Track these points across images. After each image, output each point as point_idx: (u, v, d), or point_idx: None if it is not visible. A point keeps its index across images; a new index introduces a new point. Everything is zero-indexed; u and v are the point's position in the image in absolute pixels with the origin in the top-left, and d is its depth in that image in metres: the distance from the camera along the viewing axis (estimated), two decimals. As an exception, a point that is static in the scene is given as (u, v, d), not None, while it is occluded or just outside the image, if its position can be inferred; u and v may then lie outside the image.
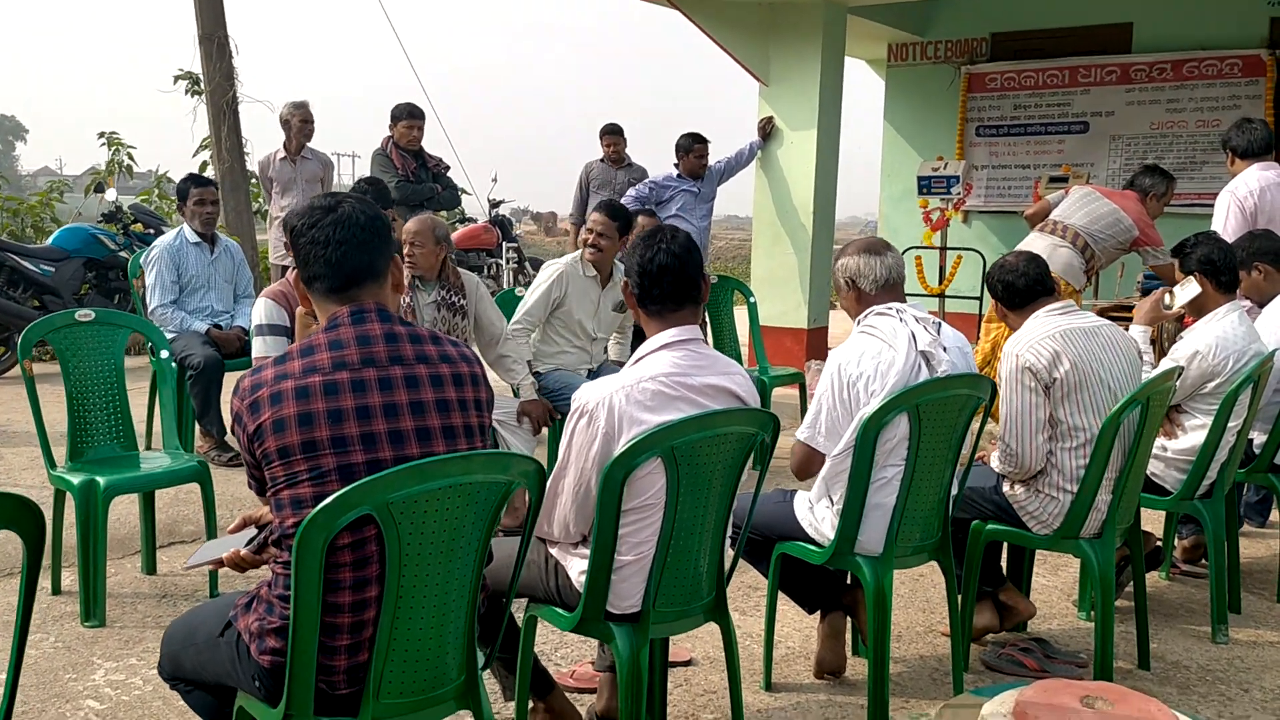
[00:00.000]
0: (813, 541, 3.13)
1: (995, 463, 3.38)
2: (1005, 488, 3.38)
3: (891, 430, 2.92)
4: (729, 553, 2.76)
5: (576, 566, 2.56)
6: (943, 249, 7.98)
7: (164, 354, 4.20)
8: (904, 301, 3.12)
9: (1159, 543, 4.14)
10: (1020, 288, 3.45)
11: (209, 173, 9.95)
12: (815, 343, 7.81)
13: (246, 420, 1.99)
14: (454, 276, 4.66)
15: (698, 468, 2.48)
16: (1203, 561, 4.41)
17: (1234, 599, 3.96)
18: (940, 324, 3.08)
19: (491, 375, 5.01)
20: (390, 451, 1.99)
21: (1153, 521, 4.44)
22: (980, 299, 7.51)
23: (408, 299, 4.58)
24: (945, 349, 3.02)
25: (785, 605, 3.46)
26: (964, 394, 3.03)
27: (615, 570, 2.47)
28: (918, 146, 9.15)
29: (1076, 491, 3.23)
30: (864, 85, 10.13)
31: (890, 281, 3.11)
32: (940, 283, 7.99)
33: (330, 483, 1.94)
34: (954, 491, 3.19)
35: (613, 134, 7.91)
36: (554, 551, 2.63)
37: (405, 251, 4.58)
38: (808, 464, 3.09)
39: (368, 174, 6.73)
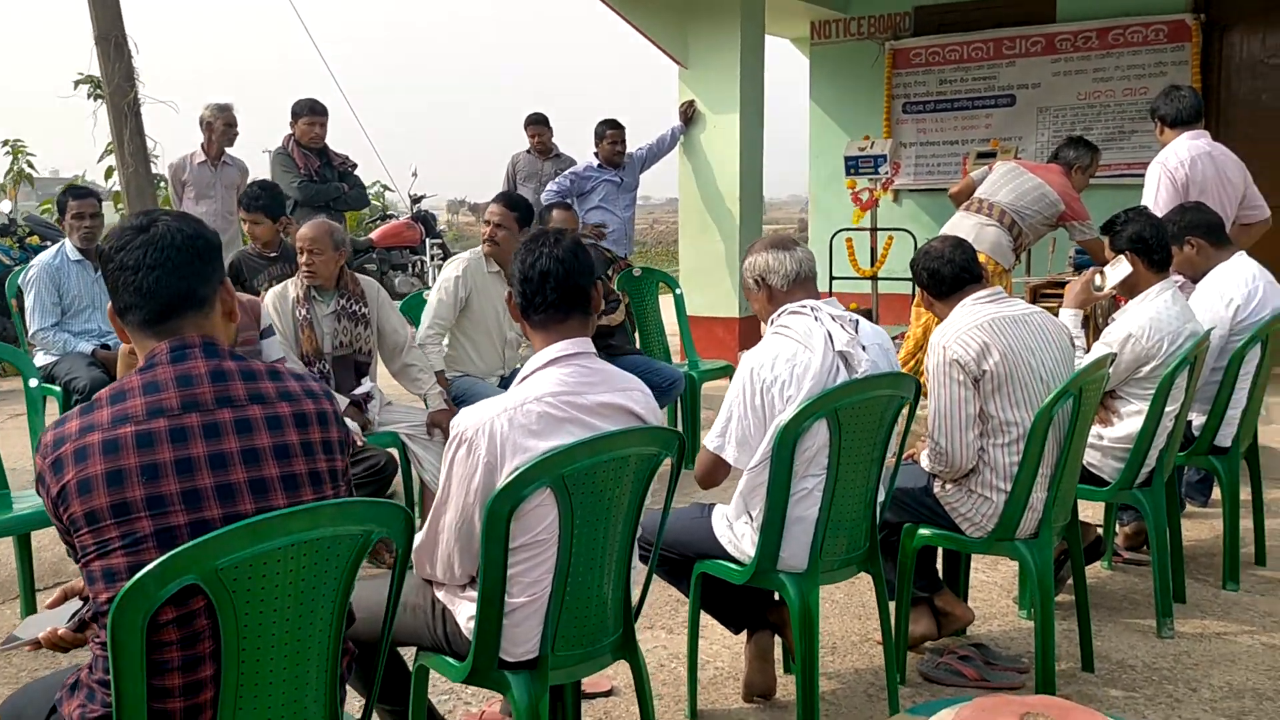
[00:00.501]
0: (733, 559, 2.91)
1: (925, 462, 3.18)
2: (936, 488, 3.18)
3: (810, 438, 2.71)
4: (638, 583, 2.53)
5: (465, 611, 2.31)
6: (873, 230, 7.80)
7: (33, 382, 3.87)
8: (818, 297, 2.91)
9: (1099, 531, 3.98)
10: (946, 275, 3.25)
11: (114, 179, 9.51)
12: (748, 332, 7.61)
13: (49, 481, 1.71)
14: (352, 283, 4.38)
15: (594, 496, 2.24)
16: (1145, 548, 4.26)
17: (1178, 589, 3.81)
18: (858, 320, 2.87)
19: (398, 386, 4.77)
20: (219, 509, 1.72)
21: (1092, 508, 4.29)
22: (913, 280, 7.33)
23: (304, 311, 4.29)
24: (865, 347, 2.81)
25: (714, 622, 3.24)
26: (886, 394, 2.82)
27: (507, 614, 2.23)
28: (845, 125, 8.96)
29: (1010, 490, 3.05)
30: (790, 64, 9.91)
31: (802, 276, 2.90)
32: (872, 265, 7.81)
33: (147, 550, 1.67)
34: (880, 498, 2.99)
35: (537, 124, 7.66)
36: (440, 595, 2.38)
37: (304, 260, 4.28)
38: (712, 473, 2.88)
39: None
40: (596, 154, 6.92)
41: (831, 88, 9.13)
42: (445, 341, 4.74)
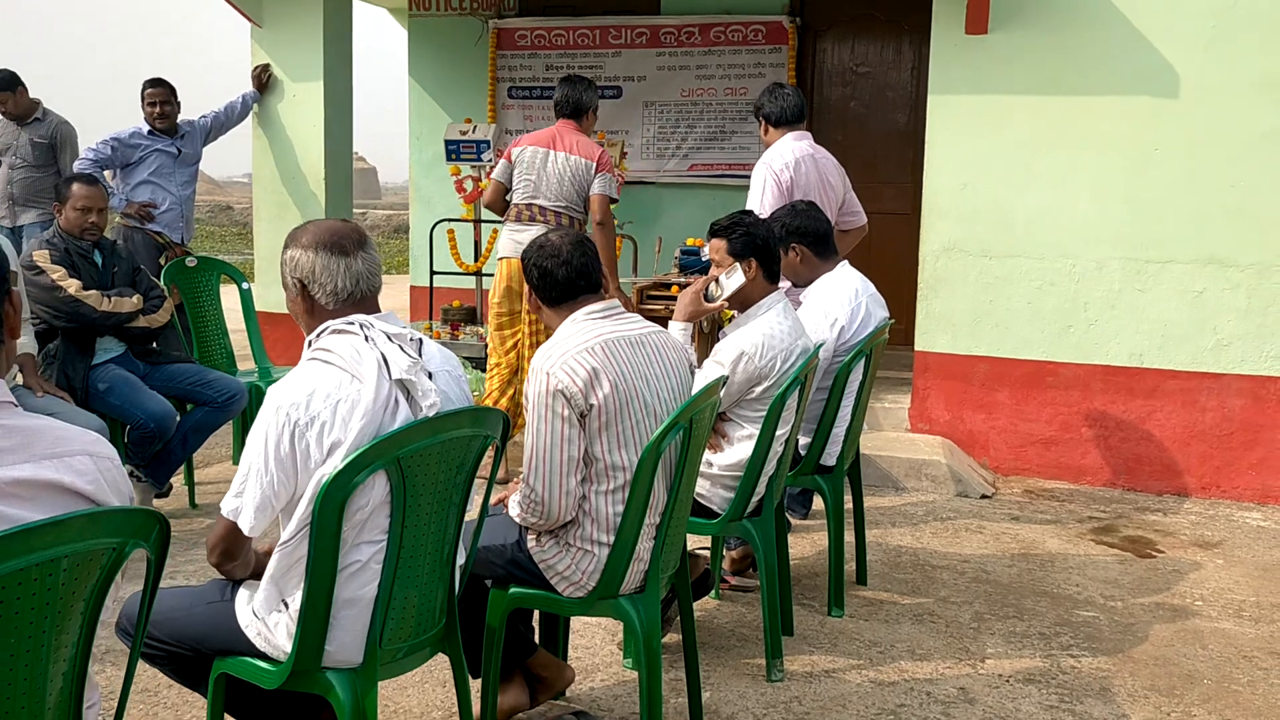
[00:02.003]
0: (264, 656, 2.20)
1: (515, 510, 2.63)
2: (530, 542, 2.64)
3: (364, 495, 2.07)
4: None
5: None
6: (477, 221, 7.26)
7: None
8: (376, 310, 2.26)
9: (707, 562, 3.64)
10: (560, 279, 2.71)
11: None
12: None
13: None
14: None
15: (11, 618, 1.47)
16: (751, 571, 4.02)
17: (786, 620, 3.55)
18: (422, 340, 2.25)
19: None
20: None
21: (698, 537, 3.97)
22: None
23: None
24: (431, 375, 2.20)
25: None
26: (465, 435, 2.23)
27: None
28: (448, 107, 8.34)
29: (613, 542, 2.56)
30: (397, 37, 9.14)
31: (358, 295, 2.24)
32: (476, 259, 7.26)
33: None
34: (461, 559, 2.40)
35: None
36: None
37: None
38: (230, 548, 2.16)
39: None
40: (147, 119, 5.83)
41: (432, 65, 8.46)
42: None
